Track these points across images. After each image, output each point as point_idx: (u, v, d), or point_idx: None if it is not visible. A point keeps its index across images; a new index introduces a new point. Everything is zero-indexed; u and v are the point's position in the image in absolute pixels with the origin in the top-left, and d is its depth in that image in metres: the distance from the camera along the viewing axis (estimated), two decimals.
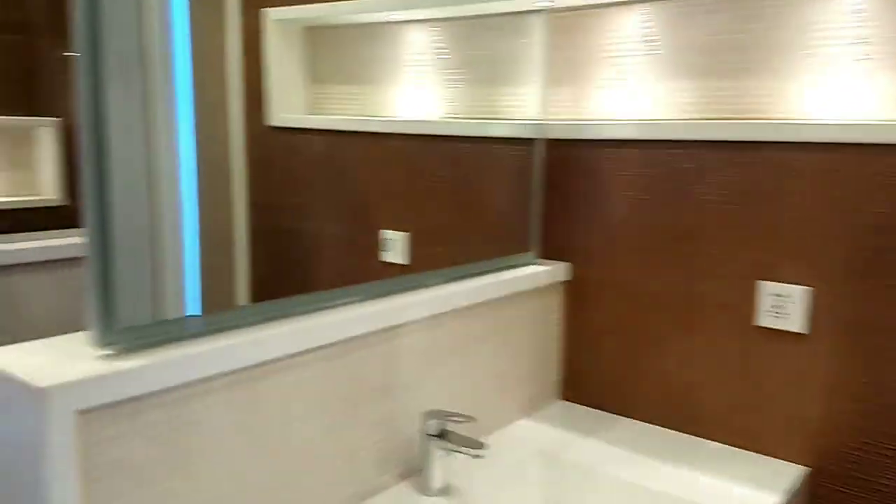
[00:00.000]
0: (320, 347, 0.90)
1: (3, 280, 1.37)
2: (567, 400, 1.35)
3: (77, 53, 0.74)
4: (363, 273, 1.61)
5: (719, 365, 1.19)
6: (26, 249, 1.46)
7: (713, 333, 1.19)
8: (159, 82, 1.43)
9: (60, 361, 0.67)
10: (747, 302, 1.15)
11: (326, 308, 0.95)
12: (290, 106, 1.72)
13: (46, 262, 1.45)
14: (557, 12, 1.30)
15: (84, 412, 0.65)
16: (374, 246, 1.57)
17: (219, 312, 0.87)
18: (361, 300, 1.00)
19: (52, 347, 0.71)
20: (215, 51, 1.77)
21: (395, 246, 1.53)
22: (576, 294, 1.32)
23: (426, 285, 1.11)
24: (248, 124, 1.74)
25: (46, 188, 2.35)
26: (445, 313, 1.09)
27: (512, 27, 1.35)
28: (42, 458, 0.63)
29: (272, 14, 1.67)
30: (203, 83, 1.58)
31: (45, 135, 2.34)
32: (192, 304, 1.16)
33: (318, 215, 1.69)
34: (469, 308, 1.13)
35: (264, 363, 0.83)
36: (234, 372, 0.79)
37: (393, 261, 1.54)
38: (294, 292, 1.66)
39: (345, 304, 0.97)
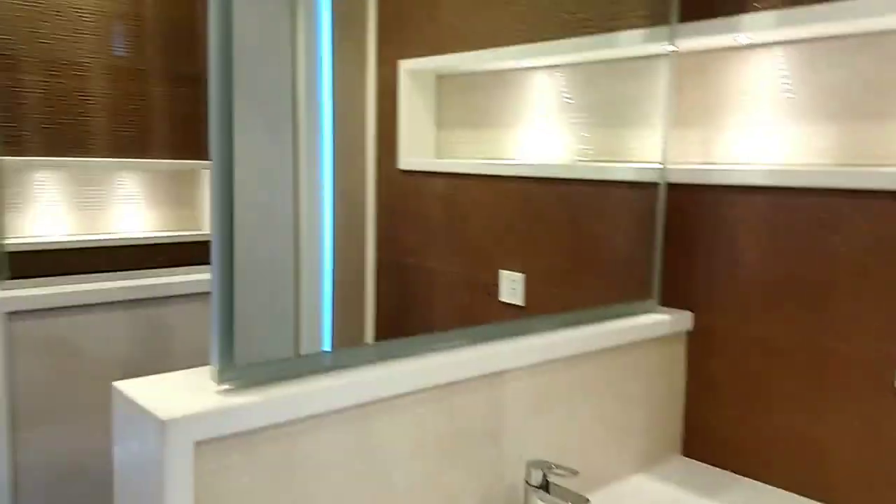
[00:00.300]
0: (426, 389, 0.92)
1: (161, 310, 1.52)
2: (688, 456, 1.29)
3: (211, 99, 0.82)
4: (481, 312, 1.63)
5: (854, 429, 1.08)
6: (184, 282, 1.61)
7: (847, 393, 1.09)
8: (305, 127, 1.55)
9: (184, 394, 0.74)
10: (887, 362, 1.04)
11: (434, 350, 0.97)
12: (418, 150, 1.79)
13: (203, 293, 1.60)
14: (684, 55, 1.27)
15: (201, 443, 0.71)
16: (492, 286, 1.59)
17: (330, 352, 0.92)
18: (469, 343, 1.02)
19: (180, 380, 0.79)
20: (355, 99, 1.88)
21: (512, 287, 1.54)
22: (699, 345, 1.27)
23: (537, 331, 1.11)
24: (379, 167, 1.83)
25: (205, 224, 2.59)
26: (556, 360, 1.08)
27: (636, 71, 1.33)
28: (163, 484, 0.70)
29: (405, 65, 1.76)
30: (343, 128, 1.69)
31: (206, 176, 2.59)
32: (321, 341, 1.23)
33: (440, 254, 1.74)
34: (582, 356, 1.12)
35: (372, 402, 0.86)
36: (342, 410, 0.83)
37: (510, 301, 1.55)
38: (414, 329, 1.71)
39: (452, 346, 0.99)
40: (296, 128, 1.60)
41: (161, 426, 0.69)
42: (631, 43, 1.28)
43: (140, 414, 0.72)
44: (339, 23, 1.55)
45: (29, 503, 1.36)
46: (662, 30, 1.21)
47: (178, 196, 2.58)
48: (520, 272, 1.53)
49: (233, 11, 0.86)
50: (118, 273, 1.52)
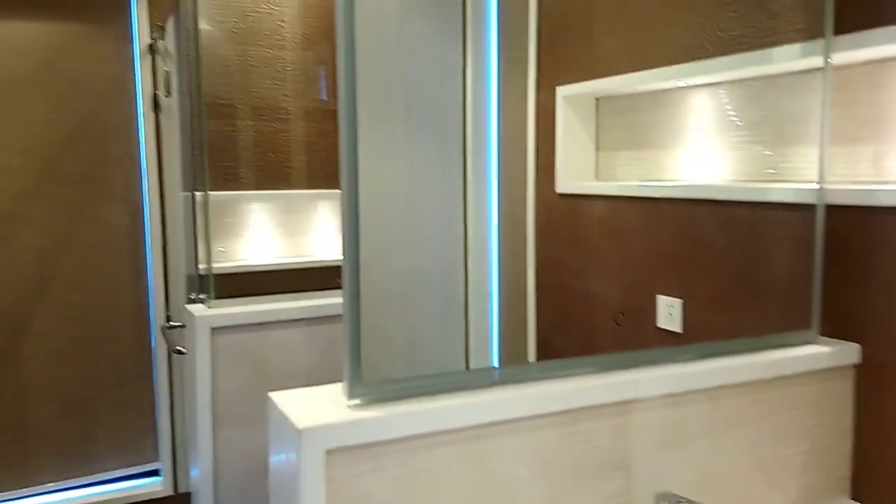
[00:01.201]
0: (551, 414, 0.95)
1: (339, 327, 1.69)
2: (858, 501, 1.17)
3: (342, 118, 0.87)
4: (637, 337, 1.61)
5: None
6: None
7: None
8: (473, 152, 1.64)
9: (320, 407, 0.85)
10: None
11: (563, 375, 1.00)
12: (576, 173, 1.81)
13: None
14: (851, 68, 1.18)
15: (332, 451, 0.81)
16: (649, 311, 1.56)
17: (457, 373, 0.99)
18: (603, 370, 1.03)
19: (320, 394, 0.90)
20: (516, 125, 1.95)
21: (669, 312, 1.50)
22: (870, 379, 1.15)
23: (673, 360, 1.09)
24: (538, 191, 1.88)
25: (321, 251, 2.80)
26: (696, 391, 1.05)
27: (794, 86, 1.26)
28: (298, 486, 0.80)
29: (563, 91, 1.80)
30: (506, 154, 1.76)
31: (324, 206, 2.80)
32: (454, 361, 1.30)
33: (597, 277, 1.74)
34: (728, 387, 1.08)
35: (494, 423, 0.91)
36: (464, 429, 0.89)
37: (667, 328, 1.51)
38: (568, 350, 1.72)
39: (582, 373, 1.01)
40: (464, 152, 1.70)
41: (298, 434, 0.79)
42: (787, 58, 1.21)
43: (284, 422, 0.84)
44: (502, 52, 1.63)
45: (227, 492, 1.58)
46: (817, 43, 1.14)
47: (304, 225, 2.82)
48: (678, 297, 1.49)
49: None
50: (306, 293, 1.71)
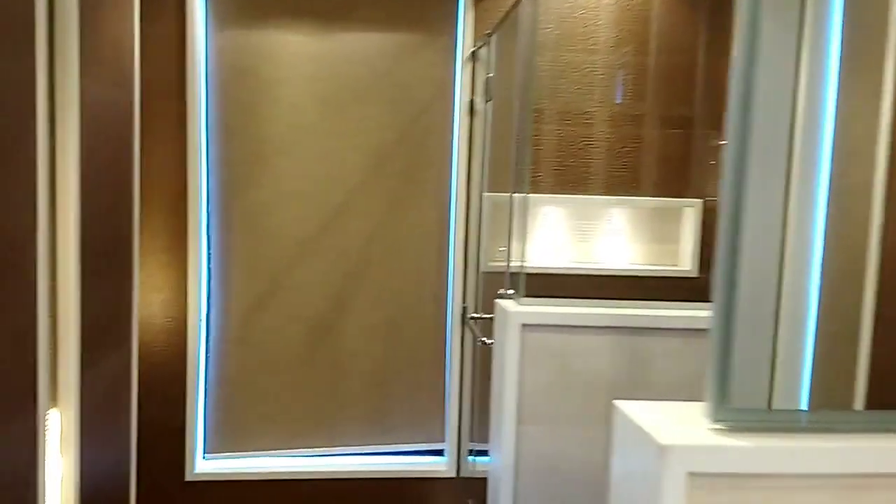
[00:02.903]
0: None
1: (645, 339, 1.65)
2: None
3: (726, 142, 0.87)
4: None
5: None
6: (669, 317, 1.71)
7: None
8: (800, 167, 1.50)
9: (678, 425, 0.81)
10: None
11: None
12: None
13: (683, 329, 1.67)
14: None
15: (692, 475, 0.77)
16: None
17: (829, 412, 0.89)
18: None
19: (673, 411, 0.87)
20: (862, 134, 1.73)
21: None
22: None
23: None
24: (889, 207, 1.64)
25: (684, 260, 2.68)
26: None
27: None
28: (657, 501, 0.78)
29: None
30: (846, 161, 1.57)
31: (688, 214, 2.68)
32: (803, 397, 1.18)
33: None
34: None
35: (870, 475, 0.81)
36: (839, 476, 0.80)
37: None
38: None
39: None
40: (790, 165, 1.55)
41: (659, 450, 0.77)
42: None
43: (638, 434, 0.82)
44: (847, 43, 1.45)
45: (526, 484, 1.62)
46: None
47: (660, 232, 2.72)
48: None
49: (755, 65, 0.90)
50: (608, 301, 1.69)
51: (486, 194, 2.50)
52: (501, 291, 1.77)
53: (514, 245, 1.76)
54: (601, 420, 1.62)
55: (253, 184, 2.44)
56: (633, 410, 0.86)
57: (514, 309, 1.60)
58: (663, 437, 0.78)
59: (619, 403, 0.89)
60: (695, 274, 2.61)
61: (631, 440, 0.84)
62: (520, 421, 1.61)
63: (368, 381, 2.56)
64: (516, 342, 1.59)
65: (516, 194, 1.73)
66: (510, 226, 1.80)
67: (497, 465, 1.64)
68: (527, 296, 1.66)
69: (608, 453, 0.92)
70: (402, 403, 2.58)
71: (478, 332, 1.97)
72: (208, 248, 2.45)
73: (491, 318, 2.20)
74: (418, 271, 2.55)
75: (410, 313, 2.55)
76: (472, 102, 2.46)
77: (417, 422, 2.60)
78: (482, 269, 2.50)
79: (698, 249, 2.60)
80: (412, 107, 2.49)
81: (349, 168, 2.48)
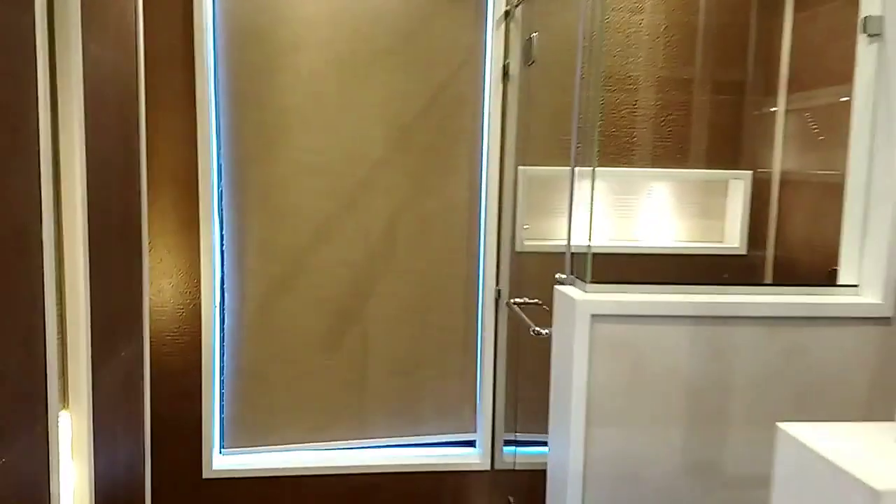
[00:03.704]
0: None
1: (723, 329, 1.48)
2: None
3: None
4: None
5: None
6: (749, 304, 1.54)
7: None
8: None
9: (879, 459, 0.65)
10: None
11: None
12: None
13: (768, 318, 1.50)
14: None
15: None
16: None
17: None
18: None
19: (855, 436, 0.70)
20: None
21: None
22: None
23: None
24: None
25: (731, 237, 2.51)
26: None
27: None
28: None
29: None
30: None
31: (736, 187, 2.50)
32: None
33: None
34: None
35: None
36: None
37: None
38: None
39: None
40: None
41: (874, 497, 0.60)
42: None
43: (829, 471, 0.65)
44: None
45: (595, 491, 1.46)
46: None
47: (706, 207, 2.55)
48: None
49: None
50: (682, 286, 1.52)
51: (522, 168, 2.32)
52: (560, 276, 1.59)
53: (581, 224, 1.58)
54: (680, 422, 1.46)
55: (268, 158, 2.24)
56: (810, 437, 0.70)
57: (581, 297, 1.43)
58: (876, 479, 0.61)
59: (788, 427, 0.72)
60: (743, 251, 2.44)
61: (816, 477, 0.67)
62: (589, 423, 1.44)
63: (395, 369, 2.39)
64: (585, 335, 1.42)
65: (579, 168, 1.54)
66: (570, 202, 1.62)
67: (560, 470, 1.48)
68: (593, 281, 1.49)
69: (772, 487, 0.76)
70: (431, 392, 2.42)
71: (525, 319, 1.79)
72: (221, 228, 2.26)
73: (536, 304, 2.03)
74: (447, 251, 2.37)
75: (439, 296, 2.38)
76: (506, 66, 2.26)
77: (447, 411, 2.44)
78: (517, 248, 2.33)
79: (747, 225, 2.42)
80: (440, 72, 2.29)
81: (372, 140, 2.28)
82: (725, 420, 1.46)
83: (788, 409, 1.47)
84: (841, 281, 1.57)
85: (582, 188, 2.44)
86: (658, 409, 1.45)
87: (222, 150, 2.23)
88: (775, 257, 2.33)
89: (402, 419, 2.42)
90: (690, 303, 1.45)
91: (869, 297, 1.48)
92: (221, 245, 2.27)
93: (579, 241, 2.36)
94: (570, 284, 1.56)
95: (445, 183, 2.34)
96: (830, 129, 2.09)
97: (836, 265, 2.03)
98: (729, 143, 2.43)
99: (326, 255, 2.31)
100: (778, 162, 2.34)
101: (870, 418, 1.47)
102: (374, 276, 2.34)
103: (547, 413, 2.36)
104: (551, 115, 2.31)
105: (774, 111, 2.34)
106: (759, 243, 2.39)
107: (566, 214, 2.42)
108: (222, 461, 2.34)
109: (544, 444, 2.42)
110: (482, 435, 2.41)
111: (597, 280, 1.49)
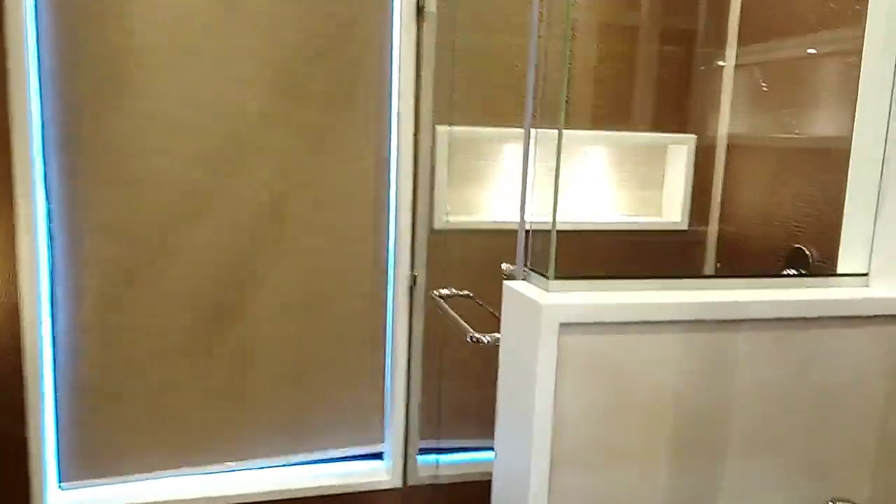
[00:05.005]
0: None
1: (722, 336, 1.15)
2: None
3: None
4: None
5: None
6: (758, 303, 1.22)
7: None
8: None
9: None
10: None
11: None
12: None
13: (775, 320, 1.18)
14: None
15: None
16: None
17: None
18: None
19: None
20: None
21: None
22: None
23: None
24: None
25: (671, 210, 2.22)
26: None
27: None
28: None
29: None
30: None
31: (676, 153, 2.21)
32: None
33: None
34: None
35: None
36: None
37: None
38: None
39: None
40: None
41: None
42: None
43: None
44: None
45: None
46: None
47: (644, 176, 2.25)
48: None
49: None
50: (669, 280, 1.18)
51: (441, 128, 1.91)
52: (508, 267, 1.21)
53: (533, 199, 1.20)
54: (671, 456, 1.13)
55: (112, 109, 1.71)
56: None
57: (545, 300, 1.05)
58: None
59: None
60: (684, 227, 2.16)
61: None
62: (555, 465, 1.08)
63: (284, 374, 1.95)
64: (551, 350, 1.05)
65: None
66: (525, 171, 1.23)
67: None
68: (558, 277, 1.11)
69: None
70: (330, 399, 2.00)
71: (459, 321, 1.40)
72: (47, 201, 1.71)
73: (467, 296, 1.65)
74: (350, 229, 1.94)
75: (340, 285, 1.95)
76: (419, 1, 1.83)
77: (351, 421, 2.03)
78: (436, 226, 1.93)
79: (689, 197, 2.14)
80: (339, 4, 1.82)
81: (252, 88, 1.79)
82: (726, 450, 1.15)
83: (800, 432, 1.18)
84: (841, 269, 1.28)
85: (497, 154, 2.06)
86: (644, 441, 1.11)
87: (48, 97, 1.67)
88: (724, 233, 2.06)
89: (294, 434, 1.98)
90: (684, 304, 1.11)
91: (884, 289, 1.20)
92: (49, 223, 1.72)
93: (502, 215, 2.00)
94: (524, 279, 1.18)
95: (347, 143, 1.90)
96: (794, 86, 1.82)
97: (801, 243, 1.78)
98: (672, 103, 2.13)
99: (193, 236, 1.81)
100: (725, 124, 2.06)
101: (886, 432, 1.20)
102: (256, 260, 1.87)
103: (478, 413, 2.02)
104: (479, 62, 1.91)
105: (722, 66, 2.06)
106: (704, 217, 2.12)
107: (496, 185, 2.05)
108: (62, 497, 1.82)
109: (475, 449, 2.09)
110: (392, 445, 2.02)
111: (563, 275, 1.12)
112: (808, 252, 1.77)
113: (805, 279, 1.25)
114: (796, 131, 1.80)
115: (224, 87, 1.76)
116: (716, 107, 2.07)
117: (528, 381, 1.08)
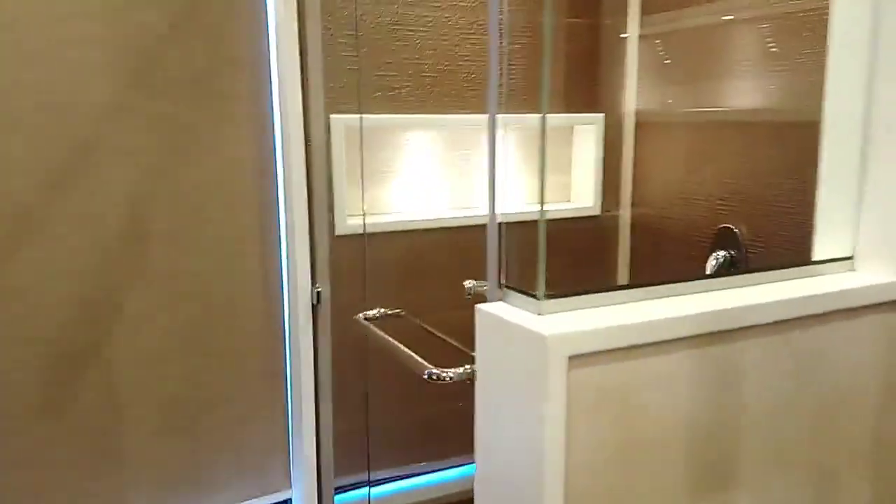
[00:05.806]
0: None
1: (729, 348, 0.99)
2: None
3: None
4: None
5: None
6: (763, 305, 1.07)
7: None
8: None
9: None
10: None
11: None
12: None
13: (779, 322, 1.04)
14: None
15: None
16: None
17: None
18: None
19: None
20: None
21: None
22: None
23: None
24: None
25: (582, 195, 2.08)
26: None
27: None
28: None
29: None
30: None
31: (584, 133, 2.07)
32: None
33: None
34: None
35: None
36: None
37: None
38: None
39: None
40: None
41: None
42: None
43: None
44: None
45: None
46: None
47: (552, 160, 2.08)
48: None
49: None
50: (668, 286, 1.00)
51: (336, 116, 1.62)
52: (474, 284, 0.97)
53: (504, 191, 0.98)
54: (691, 485, 0.96)
55: None
56: None
57: (544, 328, 0.83)
58: None
59: None
60: (597, 212, 2.03)
61: None
62: None
63: (166, 424, 1.59)
64: (561, 390, 0.83)
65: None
66: (492, 161, 1.00)
67: None
68: (549, 296, 0.90)
69: None
70: (221, 446, 1.67)
71: (413, 356, 1.14)
72: None
73: (397, 315, 1.39)
74: (232, 242, 1.61)
75: (223, 311, 1.62)
76: None
77: (246, 466, 1.71)
78: (339, 231, 1.65)
79: (601, 180, 2.01)
80: None
81: (94, 73, 1.41)
82: (739, 470, 1.00)
83: (805, 437, 1.06)
84: (818, 253, 1.18)
85: (394, 145, 1.81)
86: (662, 475, 0.93)
87: None
88: (642, 216, 1.95)
89: (180, 492, 1.63)
90: (689, 316, 0.93)
91: (873, 273, 1.11)
92: None
93: (403, 213, 1.74)
94: (501, 300, 0.95)
95: (219, 138, 1.56)
96: (707, 56, 1.73)
97: (729, 222, 1.70)
98: (578, 80, 1.98)
99: (30, 266, 1.40)
100: (633, 101, 1.95)
101: (881, 427, 1.12)
102: (115, 289, 1.49)
103: (411, 440, 1.76)
104: (378, 39, 1.64)
105: (625, 37, 1.93)
106: (618, 201, 2.00)
107: (405, 179, 1.78)
108: None
109: (411, 476, 1.84)
110: (302, 489, 1.73)
111: (550, 293, 0.90)
112: (736, 230, 1.69)
113: (783, 271, 1.13)
114: (717, 104, 1.71)
115: (58, 74, 1.37)
116: (622, 83, 1.95)
117: (530, 430, 0.86)
